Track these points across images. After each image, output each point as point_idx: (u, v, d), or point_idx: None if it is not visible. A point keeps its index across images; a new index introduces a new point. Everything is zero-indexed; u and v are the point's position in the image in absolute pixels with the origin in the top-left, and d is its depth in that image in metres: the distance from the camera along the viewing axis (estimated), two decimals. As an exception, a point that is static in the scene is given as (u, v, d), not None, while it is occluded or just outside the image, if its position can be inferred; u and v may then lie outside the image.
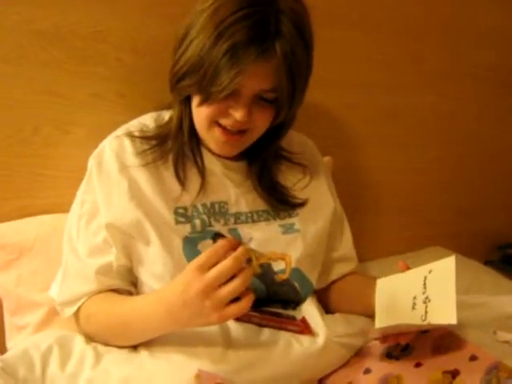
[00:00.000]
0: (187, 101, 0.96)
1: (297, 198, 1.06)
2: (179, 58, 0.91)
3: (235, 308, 0.77)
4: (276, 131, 1.00)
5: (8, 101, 1.12)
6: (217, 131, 0.93)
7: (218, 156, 1.01)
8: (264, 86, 0.89)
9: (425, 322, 0.82)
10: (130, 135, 0.99)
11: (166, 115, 1.04)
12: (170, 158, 0.99)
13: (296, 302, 1.00)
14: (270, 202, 1.03)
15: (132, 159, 0.97)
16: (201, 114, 0.93)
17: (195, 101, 0.92)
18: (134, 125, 1.02)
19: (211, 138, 0.95)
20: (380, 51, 1.50)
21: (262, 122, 0.94)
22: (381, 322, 0.88)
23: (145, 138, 0.99)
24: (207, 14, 0.86)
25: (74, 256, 0.97)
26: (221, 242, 0.77)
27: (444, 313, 0.81)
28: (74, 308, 0.96)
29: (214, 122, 0.93)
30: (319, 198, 1.09)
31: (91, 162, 0.99)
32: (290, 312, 0.97)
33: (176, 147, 0.98)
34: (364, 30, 1.45)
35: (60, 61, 1.14)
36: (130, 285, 0.98)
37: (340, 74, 1.44)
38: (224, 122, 0.92)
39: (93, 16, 1.15)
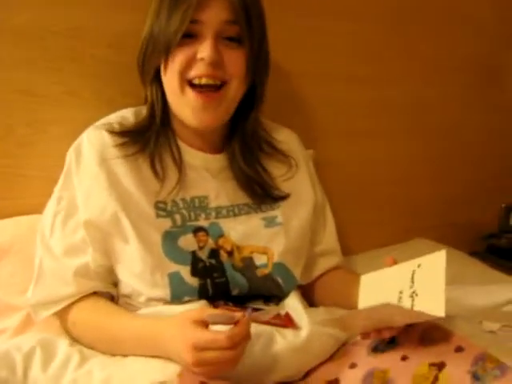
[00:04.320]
0: (158, 83, 0.97)
1: (279, 189, 1.05)
2: (141, 42, 0.97)
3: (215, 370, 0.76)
4: (249, 107, 1.01)
5: (-19, 100, 1.10)
6: (191, 94, 0.92)
7: (197, 150, 1.01)
8: (222, 17, 0.90)
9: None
10: (110, 127, 0.97)
11: (146, 110, 1.02)
12: (148, 152, 0.97)
13: (279, 298, 0.99)
14: (251, 194, 1.02)
15: (111, 152, 0.95)
16: (171, 75, 0.92)
17: (163, 69, 0.93)
18: (113, 118, 1.01)
19: (186, 105, 0.94)
20: (365, 43, 1.49)
21: (235, 67, 0.93)
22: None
23: (124, 131, 0.97)
24: None
25: (49, 255, 0.95)
26: (225, 339, 0.74)
27: (432, 306, 0.79)
28: (51, 311, 0.94)
29: (185, 82, 0.92)
30: (301, 190, 1.09)
31: (70, 155, 0.98)
32: (273, 308, 0.96)
33: (152, 139, 0.97)
34: (348, 21, 1.44)
35: (34, 59, 1.13)
36: (111, 286, 0.97)
37: (324, 66, 1.43)
38: (195, 72, 0.91)
39: (66, 13, 1.14)
